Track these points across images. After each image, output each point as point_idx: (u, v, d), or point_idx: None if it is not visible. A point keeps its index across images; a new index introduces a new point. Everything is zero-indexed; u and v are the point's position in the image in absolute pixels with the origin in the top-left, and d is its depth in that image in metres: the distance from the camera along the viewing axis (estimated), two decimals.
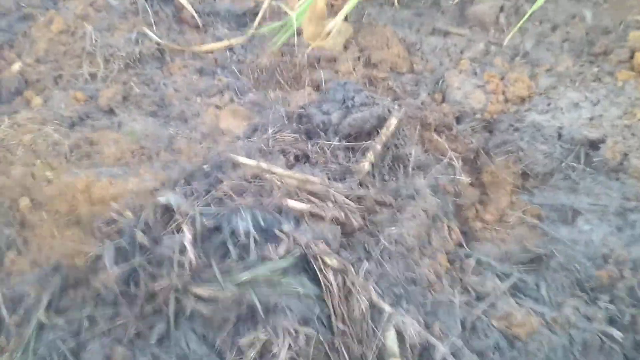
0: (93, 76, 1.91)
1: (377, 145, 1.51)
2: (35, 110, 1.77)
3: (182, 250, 1.32)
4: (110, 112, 1.82)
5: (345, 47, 2.04)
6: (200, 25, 2.20)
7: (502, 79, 1.98)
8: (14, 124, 1.69)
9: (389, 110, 1.58)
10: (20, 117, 1.70)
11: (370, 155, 1.50)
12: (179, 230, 1.36)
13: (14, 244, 1.44)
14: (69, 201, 1.48)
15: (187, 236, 1.33)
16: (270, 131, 1.56)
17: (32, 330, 1.33)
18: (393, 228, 1.36)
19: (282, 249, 1.30)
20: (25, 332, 1.33)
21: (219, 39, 2.15)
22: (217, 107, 1.80)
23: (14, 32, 2.00)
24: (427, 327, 1.22)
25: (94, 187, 1.50)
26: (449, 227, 1.47)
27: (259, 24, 2.14)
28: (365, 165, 1.48)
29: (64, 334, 1.32)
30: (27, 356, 1.30)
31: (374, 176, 1.49)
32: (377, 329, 1.20)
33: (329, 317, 1.24)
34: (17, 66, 1.90)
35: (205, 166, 1.53)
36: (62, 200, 1.49)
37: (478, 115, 1.86)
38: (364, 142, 1.53)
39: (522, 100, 1.92)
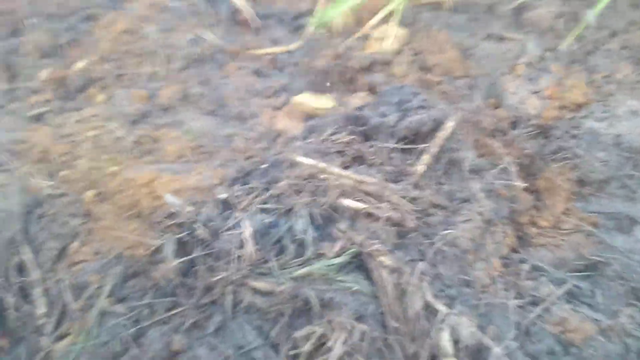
0: (154, 75, 1.98)
1: (433, 148, 1.52)
2: (99, 107, 1.84)
3: (241, 245, 1.36)
4: (170, 110, 1.87)
5: (400, 51, 2.05)
6: (257, 26, 2.25)
7: (559, 85, 1.96)
8: (80, 120, 1.77)
9: (445, 114, 1.59)
10: (85, 114, 1.78)
11: (426, 158, 1.51)
12: (237, 226, 1.41)
13: (79, 235, 1.51)
14: (131, 195, 1.55)
15: (246, 232, 1.37)
16: (326, 132, 1.59)
17: (95, 316, 1.39)
18: (448, 230, 1.37)
19: (337, 247, 1.33)
20: (88, 317, 1.39)
21: (274, 41, 2.19)
22: (274, 108, 1.84)
23: (79, 31, 2.09)
24: (481, 329, 1.22)
25: (156, 182, 1.56)
26: (503, 231, 1.46)
27: (313, 26, 2.17)
28: (421, 168, 1.49)
29: (125, 321, 1.38)
30: (89, 340, 1.36)
31: (429, 179, 1.50)
32: (431, 328, 1.21)
33: (382, 314, 1.26)
34: (82, 64, 1.98)
35: (262, 165, 1.57)
36: (125, 194, 1.55)
37: (533, 121, 1.84)
38: (420, 145, 1.54)
39: (579, 106, 1.89)
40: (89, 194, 1.56)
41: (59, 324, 1.41)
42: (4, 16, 2.17)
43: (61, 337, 1.39)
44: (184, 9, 2.19)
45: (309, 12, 2.29)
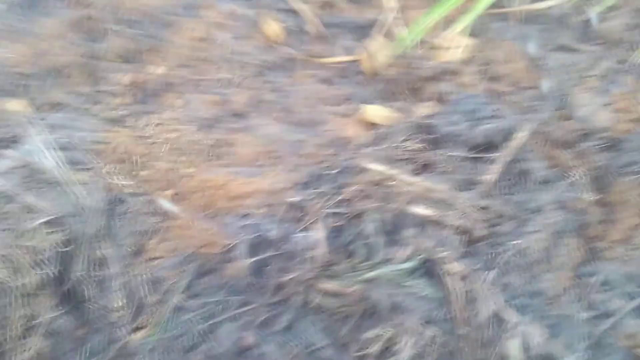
0: (227, 81, 2.05)
1: (504, 158, 1.53)
2: (176, 111, 1.93)
3: (312, 247, 1.41)
4: (243, 116, 1.94)
5: (468, 61, 2.06)
6: (324, 35, 2.30)
7: (630, 98, 1.92)
8: (159, 123, 1.86)
9: (515, 124, 1.59)
10: (163, 117, 1.87)
11: (496, 168, 1.52)
12: (308, 228, 1.45)
13: (157, 232, 1.59)
14: (207, 196, 1.62)
15: (317, 234, 1.41)
16: (395, 140, 1.62)
17: (170, 310, 1.46)
18: (517, 240, 1.38)
19: (406, 253, 1.36)
20: (164, 311, 1.47)
21: (342, 50, 2.23)
22: (342, 115, 1.88)
23: (157, 38, 2.18)
24: (551, 339, 1.22)
25: (230, 184, 1.62)
26: (573, 244, 1.45)
27: (381, 37, 2.21)
28: (491, 177, 1.50)
29: (198, 316, 1.44)
30: (164, 333, 1.43)
31: (499, 188, 1.51)
32: (500, 336, 1.22)
33: (450, 320, 1.27)
34: (160, 70, 2.08)
35: (332, 171, 1.62)
36: (201, 195, 1.62)
37: (605, 134, 1.82)
38: (490, 155, 1.55)
39: None
40: (167, 193, 1.64)
41: (135, 316, 1.48)
42: (86, 23, 2.29)
43: (137, 329, 1.47)
44: (254, 18, 2.26)
45: (377, 21, 2.32)
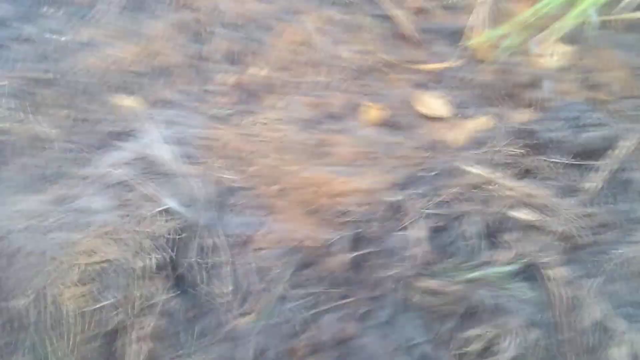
0: (326, 84, 2.14)
1: (608, 166, 1.53)
2: (277, 111, 2.03)
3: (412, 245, 1.46)
4: (340, 118, 2.01)
5: (566, 68, 2.05)
6: (418, 41, 2.35)
7: None
8: (262, 122, 1.96)
9: (619, 133, 1.59)
10: (268, 117, 1.97)
11: (599, 176, 1.52)
12: (408, 227, 1.51)
13: (263, 225, 1.68)
14: (310, 193, 1.70)
15: (418, 233, 1.46)
16: (495, 145, 1.65)
17: (275, 298, 1.55)
18: (622, 250, 1.38)
19: (508, 256, 1.39)
20: (268, 299, 1.56)
21: (435, 55, 2.27)
22: (439, 119, 1.92)
23: (261, 41, 2.29)
24: None
25: (331, 182, 1.70)
26: None
27: (474, 41, 2.23)
28: (594, 185, 1.50)
29: (300, 306, 1.52)
30: (269, 319, 1.52)
31: (602, 197, 1.51)
32: (605, 343, 1.23)
33: (553, 325, 1.29)
34: (262, 72, 2.19)
35: (430, 173, 1.66)
36: (304, 191, 1.71)
37: None
38: (593, 162, 1.55)
39: None
40: (273, 189, 1.73)
41: (242, 302, 1.57)
42: (193, 25, 2.43)
43: (244, 314, 1.56)
44: (351, 23, 2.34)
45: (470, 27, 2.34)
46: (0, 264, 1.57)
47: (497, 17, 2.32)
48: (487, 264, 1.39)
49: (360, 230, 1.55)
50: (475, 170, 1.56)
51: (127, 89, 2.17)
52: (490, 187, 1.52)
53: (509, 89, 2.00)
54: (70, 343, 1.45)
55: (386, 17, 2.43)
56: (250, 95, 2.13)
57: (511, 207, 1.46)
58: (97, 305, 1.44)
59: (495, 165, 1.58)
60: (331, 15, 2.38)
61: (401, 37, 2.39)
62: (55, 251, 1.52)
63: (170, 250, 1.56)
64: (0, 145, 1.99)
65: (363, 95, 2.08)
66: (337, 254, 1.54)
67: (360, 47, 2.28)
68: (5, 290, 1.54)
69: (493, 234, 1.45)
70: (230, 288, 1.58)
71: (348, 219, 1.59)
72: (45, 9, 2.77)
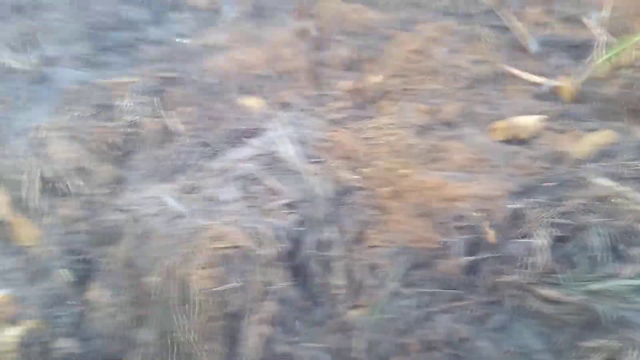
0: (438, 92, 2.17)
1: None
2: (391, 117, 2.08)
3: (532, 254, 1.46)
4: (453, 124, 2.04)
5: None
6: (536, 52, 2.33)
7: None
8: (376, 127, 2.02)
9: None
10: (382, 121, 2.03)
11: None
12: (528, 235, 1.51)
13: (375, 224, 1.73)
14: (422, 196, 1.73)
15: (539, 241, 1.46)
16: (621, 158, 1.62)
17: (386, 294, 1.59)
18: None
19: (635, 270, 1.36)
20: (380, 295, 1.60)
21: (554, 67, 2.25)
22: (557, 131, 1.90)
23: (376, 49, 2.37)
24: None
25: (444, 187, 1.72)
26: None
27: (596, 55, 2.18)
28: None
29: (412, 304, 1.55)
30: (380, 314, 1.56)
31: None
32: None
33: None
34: (377, 78, 2.25)
35: (548, 183, 1.65)
36: (415, 194, 1.74)
37: None
38: None
39: None
40: (385, 190, 1.78)
41: (354, 296, 1.63)
42: (313, 32, 2.54)
43: (356, 307, 1.61)
44: (468, 33, 2.36)
45: (590, 41, 2.30)
46: (135, 244, 1.72)
47: (617, 32, 2.27)
48: (611, 276, 1.37)
49: (476, 235, 1.57)
50: (603, 182, 1.54)
51: (250, 91, 2.30)
52: (616, 200, 1.49)
53: (633, 103, 1.95)
54: (195, 321, 1.56)
55: (504, 29, 2.44)
56: (364, 101, 2.20)
57: (637, 221, 1.43)
58: (222, 288, 1.54)
59: (621, 179, 1.55)
60: (449, 25, 2.42)
61: (519, 48, 2.39)
62: (185, 235, 1.64)
63: (289, 242, 1.64)
64: (132, 136, 2.18)
65: (477, 104, 2.10)
66: (452, 256, 1.57)
67: (477, 57, 2.30)
68: (139, 268, 1.69)
69: (618, 247, 1.42)
70: (344, 282, 1.64)
71: (464, 224, 1.61)
72: (173, 14, 3.01)
